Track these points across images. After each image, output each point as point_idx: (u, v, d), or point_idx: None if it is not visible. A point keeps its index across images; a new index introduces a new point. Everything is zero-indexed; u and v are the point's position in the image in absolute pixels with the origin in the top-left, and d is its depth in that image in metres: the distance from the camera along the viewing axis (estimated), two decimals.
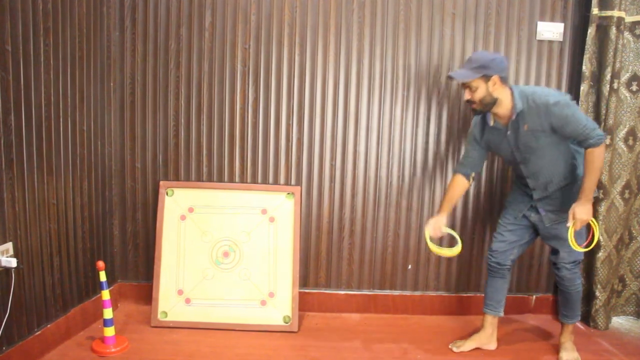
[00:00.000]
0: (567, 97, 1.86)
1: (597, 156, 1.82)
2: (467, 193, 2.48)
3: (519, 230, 2.12)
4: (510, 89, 1.91)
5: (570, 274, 2.05)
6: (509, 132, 1.93)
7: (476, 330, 2.21)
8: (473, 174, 2.11)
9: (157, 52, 2.37)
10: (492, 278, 2.17)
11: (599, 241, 2.37)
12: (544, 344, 2.24)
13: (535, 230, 2.12)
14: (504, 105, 1.90)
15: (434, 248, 2.04)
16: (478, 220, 2.51)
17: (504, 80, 1.89)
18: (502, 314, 2.17)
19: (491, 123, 1.98)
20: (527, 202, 2.07)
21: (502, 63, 1.88)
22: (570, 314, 2.11)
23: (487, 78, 1.86)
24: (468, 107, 1.92)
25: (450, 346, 2.15)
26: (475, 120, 2.06)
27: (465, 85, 1.91)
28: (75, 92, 2.05)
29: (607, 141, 2.06)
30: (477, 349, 2.15)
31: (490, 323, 2.17)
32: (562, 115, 1.81)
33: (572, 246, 1.90)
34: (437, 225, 2.06)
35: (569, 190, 1.97)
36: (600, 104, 2.33)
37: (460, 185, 2.11)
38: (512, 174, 2.29)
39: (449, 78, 1.96)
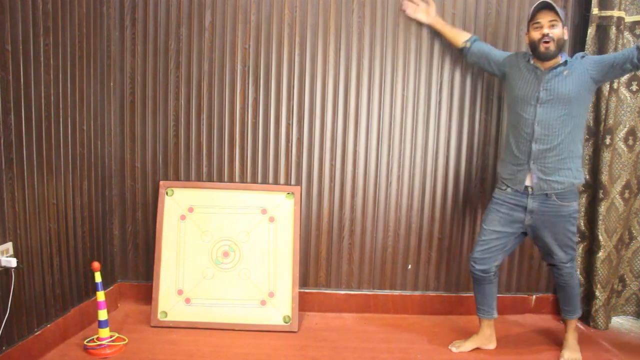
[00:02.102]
0: None
1: None
2: (467, 190, 2.48)
3: (503, 238, 2.06)
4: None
5: (569, 269, 2.06)
6: (547, 75, 1.92)
7: (476, 330, 2.21)
8: (468, 44, 2.20)
9: (157, 52, 2.37)
10: (479, 285, 2.13)
11: (599, 241, 2.37)
12: (544, 344, 2.23)
13: (522, 234, 2.08)
14: (557, 58, 1.93)
15: None
16: (478, 219, 2.51)
17: None
18: (496, 316, 2.16)
19: (532, 61, 1.98)
20: (516, 201, 2.02)
21: None
22: (572, 308, 2.11)
23: (563, 24, 1.90)
24: (539, 46, 1.90)
25: (449, 347, 2.15)
26: (515, 55, 2.10)
27: (549, 21, 1.88)
28: (75, 92, 2.06)
29: None
30: (477, 349, 2.15)
31: (487, 325, 2.16)
32: (598, 57, 1.95)
33: None
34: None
35: (565, 163, 1.94)
36: (600, 103, 2.33)
37: (458, 37, 2.24)
38: (500, 165, 2.19)
39: (536, 10, 1.91)
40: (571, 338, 2.13)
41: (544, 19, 1.89)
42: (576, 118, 1.93)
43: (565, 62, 1.92)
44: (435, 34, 2.37)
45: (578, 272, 2.12)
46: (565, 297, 2.12)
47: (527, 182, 1.98)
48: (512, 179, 2.03)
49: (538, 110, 1.93)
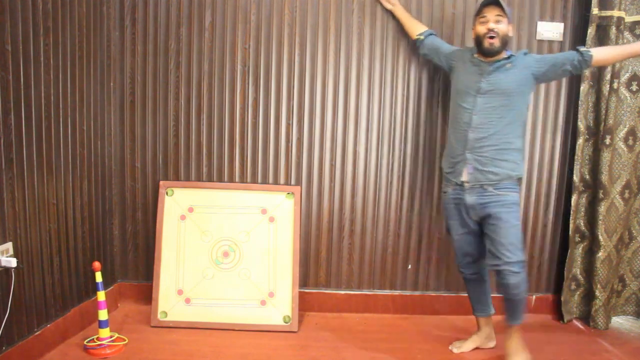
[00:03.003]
0: None
1: (601, 58, 1.97)
2: None
3: (470, 236, 2.04)
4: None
5: (516, 278, 1.89)
6: (490, 67, 1.93)
7: (475, 329, 2.20)
8: (422, 37, 2.22)
9: (157, 52, 2.37)
10: (472, 286, 2.13)
11: (599, 241, 2.37)
12: (544, 344, 2.23)
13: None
14: (501, 54, 1.95)
15: None
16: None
17: None
18: (493, 312, 2.15)
19: (476, 55, 1.99)
20: (458, 199, 2.00)
21: None
22: (517, 315, 1.99)
23: (509, 20, 1.92)
24: (484, 41, 1.90)
25: (450, 347, 2.15)
26: (461, 49, 2.14)
27: (495, 16, 1.89)
28: (75, 92, 2.06)
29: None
30: (477, 348, 2.15)
31: (485, 323, 2.16)
32: (540, 56, 2.01)
33: None
34: None
35: (502, 154, 1.92)
36: (600, 103, 2.33)
37: (414, 29, 2.27)
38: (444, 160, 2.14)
39: (483, 5, 1.92)
40: (514, 343, 1.99)
41: (490, 13, 1.89)
42: (515, 111, 1.93)
43: (509, 57, 1.94)
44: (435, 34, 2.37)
45: (527, 284, 1.94)
46: (509, 306, 1.96)
47: (464, 176, 1.95)
48: (452, 172, 2.02)
49: (478, 100, 1.93)
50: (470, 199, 1.96)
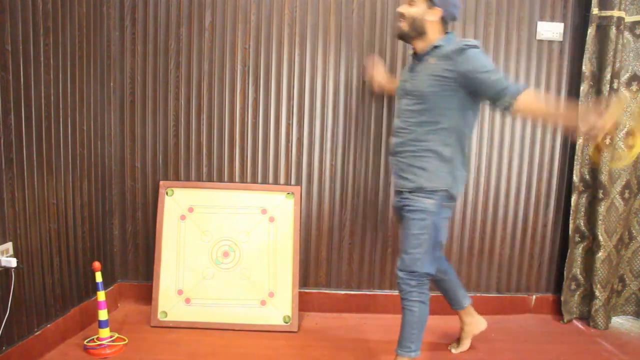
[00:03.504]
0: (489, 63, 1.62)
1: (529, 104, 1.56)
2: (466, 189, 2.48)
3: None
4: (446, 34, 1.74)
5: (403, 284, 1.75)
6: (416, 63, 1.75)
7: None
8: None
9: (157, 52, 2.37)
10: (438, 284, 2.06)
11: (599, 241, 2.37)
12: (544, 344, 2.23)
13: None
14: (427, 43, 1.72)
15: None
16: (478, 219, 2.51)
17: (444, 21, 1.73)
18: (470, 301, 2.10)
19: (410, 52, 1.85)
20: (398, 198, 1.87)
21: (454, 7, 1.72)
22: (402, 340, 1.76)
23: (430, 4, 1.68)
24: (397, 23, 1.73)
25: (449, 347, 2.15)
26: None
27: None
28: (75, 92, 2.06)
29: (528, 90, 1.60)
30: (473, 347, 2.14)
31: (466, 313, 2.11)
32: (471, 60, 1.60)
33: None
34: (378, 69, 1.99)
35: (420, 162, 1.73)
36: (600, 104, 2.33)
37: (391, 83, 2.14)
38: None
39: None
40: None
41: None
42: (438, 116, 1.68)
43: (436, 48, 1.69)
44: None
45: (421, 307, 1.76)
46: (402, 323, 1.79)
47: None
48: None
49: (402, 102, 1.80)
50: (395, 200, 1.90)
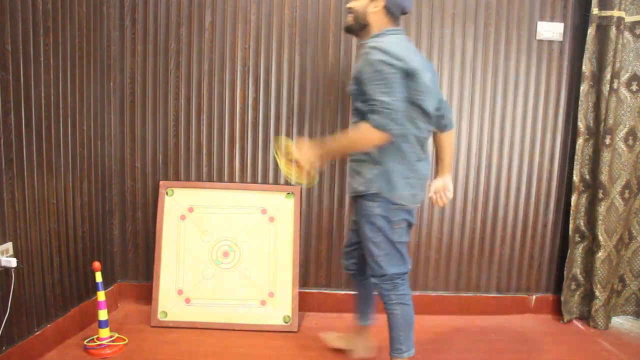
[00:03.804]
0: (395, 63, 1.51)
1: (363, 134, 1.54)
2: (466, 189, 2.48)
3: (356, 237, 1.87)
4: (386, 30, 1.65)
5: (380, 289, 1.73)
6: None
7: (476, 330, 2.19)
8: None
9: (157, 52, 2.37)
10: (355, 284, 1.98)
11: (599, 241, 2.37)
12: (544, 344, 2.23)
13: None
14: (369, 36, 1.66)
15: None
16: (478, 219, 2.51)
17: (389, 14, 1.64)
18: (367, 323, 1.98)
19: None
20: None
21: (402, 1, 1.65)
22: (392, 344, 1.74)
23: None
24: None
25: (322, 334, 2.04)
26: None
27: None
28: (75, 92, 2.06)
29: (392, 130, 1.53)
30: (474, 347, 2.14)
31: (361, 332, 2.00)
32: (365, 66, 1.54)
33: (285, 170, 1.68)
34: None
35: (360, 167, 1.68)
36: (600, 104, 2.33)
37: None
38: None
39: None
40: None
41: None
42: (365, 115, 1.58)
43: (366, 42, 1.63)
44: (435, 34, 2.37)
45: (403, 309, 1.71)
46: (389, 326, 1.75)
47: None
48: None
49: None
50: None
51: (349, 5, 1.70)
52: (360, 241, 1.79)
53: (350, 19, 1.70)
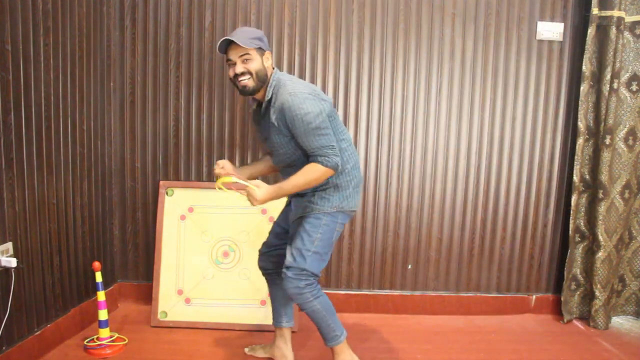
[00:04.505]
0: (317, 105, 1.61)
1: (315, 172, 1.64)
2: (466, 190, 2.48)
3: (283, 234, 1.90)
4: (273, 68, 1.73)
5: (289, 283, 1.72)
6: (263, 112, 1.73)
7: (478, 331, 2.20)
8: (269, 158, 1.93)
9: (157, 52, 2.37)
10: (270, 287, 1.98)
11: (599, 241, 2.37)
12: (544, 344, 2.23)
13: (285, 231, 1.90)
14: (266, 87, 1.71)
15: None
16: (478, 219, 2.51)
17: (270, 57, 1.73)
18: (285, 325, 1.96)
19: (252, 104, 1.82)
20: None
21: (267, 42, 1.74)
22: (327, 335, 1.80)
23: (262, 52, 1.68)
24: (237, 84, 1.68)
25: (245, 350, 2.04)
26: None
27: (240, 57, 1.64)
28: (75, 92, 2.06)
29: (338, 167, 1.67)
30: (474, 347, 2.14)
31: (278, 335, 1.97)
32: (296, 119, 1.61)
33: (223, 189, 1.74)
34: (227, 166, 1.82)
35: (326, 192, 1.74)
36: (600, 104, 2.33)
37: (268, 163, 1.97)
38: None
39: (224, 48, 1.66)
40: None
41: (234, 55, 1.65)
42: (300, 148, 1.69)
43: (270, 100, 1.69)
44: (435, 34, 2.37)
45: (316, 303, 1.76)
46: (316, 321, 1.80)
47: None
48: None
49: (273, 158, 1.83)
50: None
51: (240, 71, 1.65)
52: (283, 240, 1.87)
53: (250, 82, 1.66)
